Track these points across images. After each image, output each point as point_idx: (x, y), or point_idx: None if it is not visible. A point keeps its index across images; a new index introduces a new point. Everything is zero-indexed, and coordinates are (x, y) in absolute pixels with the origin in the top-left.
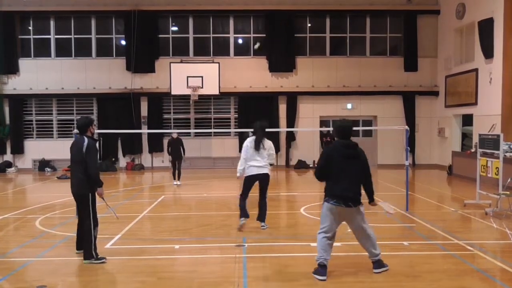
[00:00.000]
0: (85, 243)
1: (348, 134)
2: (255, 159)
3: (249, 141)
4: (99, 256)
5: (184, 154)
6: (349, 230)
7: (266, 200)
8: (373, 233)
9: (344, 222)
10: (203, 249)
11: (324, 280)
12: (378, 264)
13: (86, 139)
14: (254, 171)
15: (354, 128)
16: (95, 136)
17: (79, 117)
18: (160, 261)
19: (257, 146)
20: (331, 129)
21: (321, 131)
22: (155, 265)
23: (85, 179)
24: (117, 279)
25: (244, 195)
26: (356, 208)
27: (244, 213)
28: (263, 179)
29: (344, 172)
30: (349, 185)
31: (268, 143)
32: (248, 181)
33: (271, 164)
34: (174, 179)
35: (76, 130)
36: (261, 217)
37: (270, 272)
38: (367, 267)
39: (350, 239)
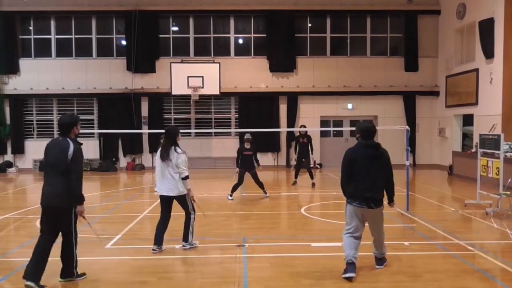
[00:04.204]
0: (67, 261)
1: (370, 135)
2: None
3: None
4: (79, 273)
5: None
6: None
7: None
8: (385, 234)
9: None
10: (203, 249)
11: (353, 276)
12: (382, 261)
13: (71, 143)
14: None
15: (355, 128)
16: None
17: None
18: (160, 261)
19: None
20: (307, 129)
21: (299, 132)
22: (155, 265)
23: (68, 190)
24: (117, 279)
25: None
26: (377, 210)
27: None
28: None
29: (368, 172)
30: (372, 186)
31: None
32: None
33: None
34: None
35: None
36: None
37: (271, 272)
38: (368, 267)
39: None
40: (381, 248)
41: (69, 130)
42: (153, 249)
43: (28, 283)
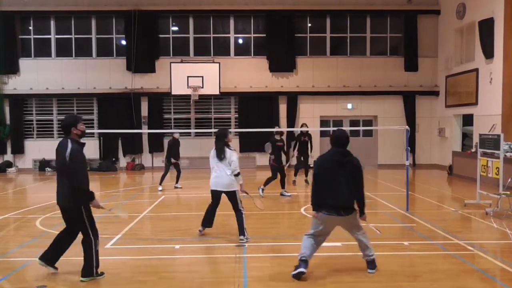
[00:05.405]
0: (87, 261)
1: (342, 143)
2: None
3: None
4: (99, 273)
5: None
6: None
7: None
8: (366, 238)
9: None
10: (203, 249)
11: (303, 272)
12: (373, 264)
13: (69, 143)
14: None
15: (355, 128)
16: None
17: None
18: (160, 261)
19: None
20: (308, 129)
21: (300, 132)
22: (155, 265)
23: (71, 190)
24: (117, 279)
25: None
26: (348, 217)
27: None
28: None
29: (336, 180)
30: (341, 194)
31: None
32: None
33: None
34: (161, 184)
35: None
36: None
37: (270, 272)
38: (366, 267)
39: (349, 239)
40: (367, 250)
41: (68, 131)
42: (199, 230)
43: (39, 261)
